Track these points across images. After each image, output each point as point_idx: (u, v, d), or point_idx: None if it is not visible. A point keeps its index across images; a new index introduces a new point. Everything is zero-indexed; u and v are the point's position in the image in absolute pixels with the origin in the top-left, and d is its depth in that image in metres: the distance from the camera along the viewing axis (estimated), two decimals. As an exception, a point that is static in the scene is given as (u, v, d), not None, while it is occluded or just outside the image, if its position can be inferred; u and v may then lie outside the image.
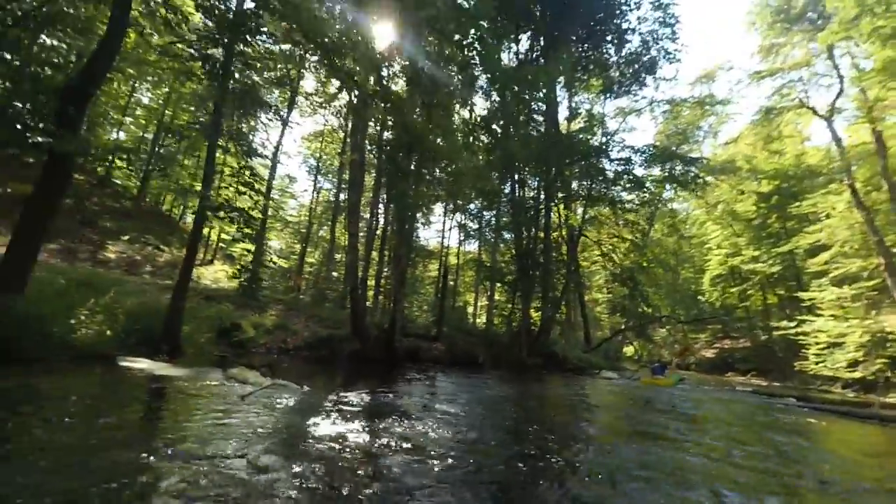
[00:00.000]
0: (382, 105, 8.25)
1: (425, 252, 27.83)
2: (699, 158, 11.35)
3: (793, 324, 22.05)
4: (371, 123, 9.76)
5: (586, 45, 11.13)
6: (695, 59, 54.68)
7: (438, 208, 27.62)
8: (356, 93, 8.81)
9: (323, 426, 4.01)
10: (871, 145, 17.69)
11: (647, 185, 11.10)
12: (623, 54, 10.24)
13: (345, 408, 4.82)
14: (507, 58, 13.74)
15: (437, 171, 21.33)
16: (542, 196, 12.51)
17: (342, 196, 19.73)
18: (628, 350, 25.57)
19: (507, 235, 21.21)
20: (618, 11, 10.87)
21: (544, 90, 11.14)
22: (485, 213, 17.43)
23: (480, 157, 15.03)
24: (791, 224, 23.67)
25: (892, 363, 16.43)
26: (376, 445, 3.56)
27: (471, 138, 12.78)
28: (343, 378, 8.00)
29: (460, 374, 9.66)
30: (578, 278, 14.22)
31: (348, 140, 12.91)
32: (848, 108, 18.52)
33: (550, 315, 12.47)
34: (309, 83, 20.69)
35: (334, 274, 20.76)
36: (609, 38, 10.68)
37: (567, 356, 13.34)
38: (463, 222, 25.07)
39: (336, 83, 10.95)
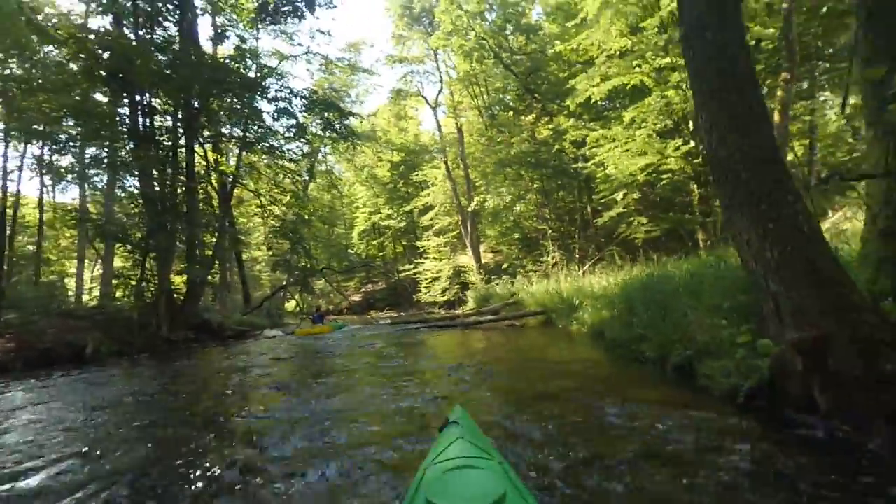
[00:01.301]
0: None
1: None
2: (356, 113, 12.12)
3: (412, 266, 29.00)
4: None
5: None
6: (346, 29, 58.81)
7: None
8: None
9: None
10: (455, 134, 24.76)
11: (309, 133, 10.83)
12: None
13: None
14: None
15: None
16: (182, 131, 9.86)
17: None
18: (289, 305, 25.93)
19: (129, 181, 15.97)
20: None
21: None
22: (86, 145, 12.24)
23: (63, 53, 10.10)
24: (411, 189, 30.38)
25: (462, 287, 24.37)
26: None
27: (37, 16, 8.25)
28: None
29: (48, 379, 6.48)
30: (235, 233, 12.56)
31: None
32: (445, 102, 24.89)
33: (202, 278, 10.42)
34: None
35: None
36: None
37: (224, 323, 11.75)
38: (48, 157, 16.89)
39: None
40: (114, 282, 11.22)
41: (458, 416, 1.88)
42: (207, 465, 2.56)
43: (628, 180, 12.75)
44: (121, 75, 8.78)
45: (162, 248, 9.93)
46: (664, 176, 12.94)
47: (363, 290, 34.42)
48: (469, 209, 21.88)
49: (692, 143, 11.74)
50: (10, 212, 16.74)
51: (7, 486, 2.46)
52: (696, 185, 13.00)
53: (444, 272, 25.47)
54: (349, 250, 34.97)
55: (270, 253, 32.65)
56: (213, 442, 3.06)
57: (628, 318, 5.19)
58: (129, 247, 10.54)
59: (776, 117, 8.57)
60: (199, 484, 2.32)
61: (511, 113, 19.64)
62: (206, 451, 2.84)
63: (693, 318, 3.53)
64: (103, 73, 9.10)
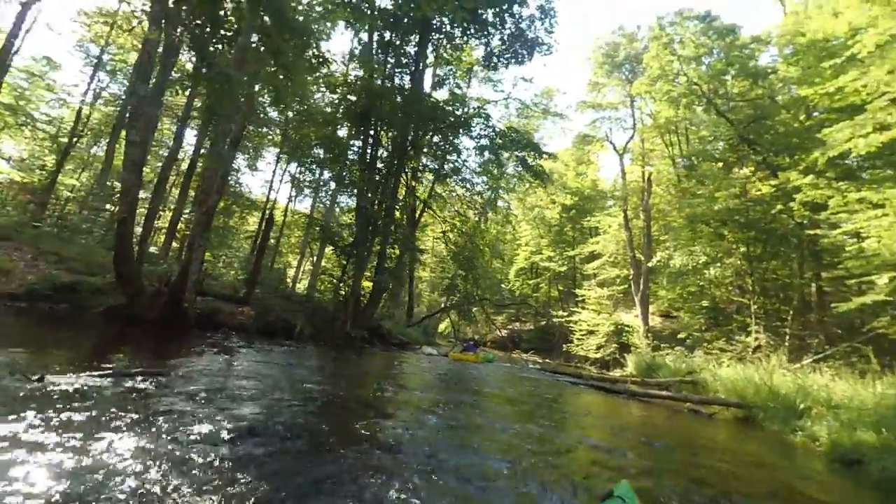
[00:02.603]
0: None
1: (245, 201, 23.71)
2: (552, 154, 12.31)
3: (566, 313, 27.44)
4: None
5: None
6: (541, 75, 61.80)
7: (269, 155, 23.78)
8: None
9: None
10: (639, 183, 22.88)
11: (504, 166, 11.47)
12: (506, 26, 10.13)
13: (78, 400, 2.97)
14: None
15: (273, 109, 18.07)
16: (396, 160, 11.59)
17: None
18: (441, 326, 27.41)
19: (343, 198, 19.58)
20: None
21: (418, 36, 10.16)
22: (325, 167, 15.49)
23: (331, 97, 13.09)
24: (577, 235, 29.19)
25: (620, 347, 21.77)
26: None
27: (322, 70, 10.85)
28: (91, 347, 5.53)
29: (271, 346, 8.07)
30: (415, 253, 13.97)
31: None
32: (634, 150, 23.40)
33: (385, 287, 11.79)
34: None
35: (108, 207, 15.46)
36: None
37: (392, 331, 12.98)
38: (297, 174, 22.12)
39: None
40: (321, 276, 13.65)
41: (622, 492, 1.67)
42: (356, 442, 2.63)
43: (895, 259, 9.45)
44: (367, 114, 10.90)
45: (360, 256, 11.62)
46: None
47: (510, 326, 34.08)
48: (648, 264, 19.64)
49: None
50: (267, 212, 22.30)
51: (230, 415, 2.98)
52: None
53: (603, 327, 23.26)
54: (502, 285, 35.36)
55: (433, 275, 35.58)
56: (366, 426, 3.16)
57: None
58: (336, 251, 12.69)
59: None
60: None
61: (720, 164, 17.12)
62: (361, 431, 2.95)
63: None
64: (357, 112, 11.46)
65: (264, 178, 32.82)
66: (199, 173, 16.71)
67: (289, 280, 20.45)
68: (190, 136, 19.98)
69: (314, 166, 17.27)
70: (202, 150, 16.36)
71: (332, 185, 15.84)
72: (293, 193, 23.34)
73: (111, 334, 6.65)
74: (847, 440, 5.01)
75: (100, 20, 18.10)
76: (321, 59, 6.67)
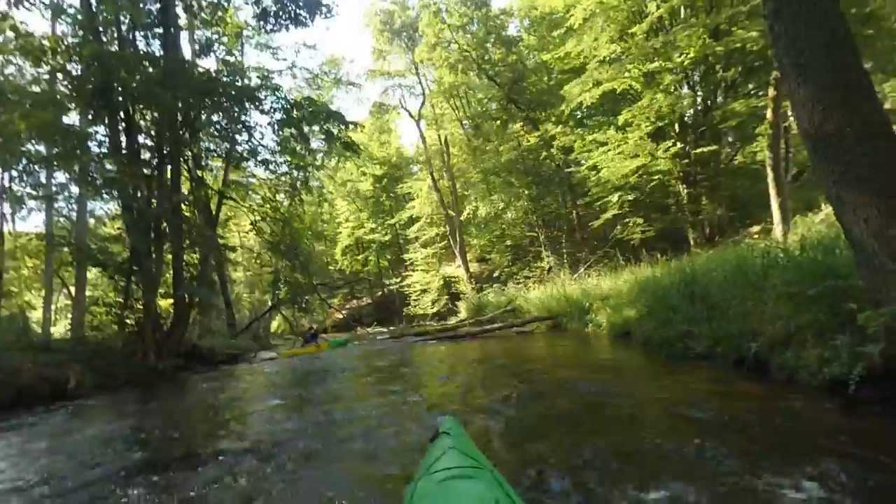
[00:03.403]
0: None
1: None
2: (359, 123, 11.81)
3: (399, 280, 28.58)
4: None
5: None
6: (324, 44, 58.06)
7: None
8: None
9: None
10: (439, 146, 24.75)
11: (308, 141, 10.44)
12: None
13: None
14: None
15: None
16: (167, 146, 9.32)
17: None
18: (273, 325, 24.99)
19: (98, 204, 15.00)
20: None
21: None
22: (57, 167, 11.41)
23: (35, 71, 9.55)
24: (394, 203, 30.10)
25: (451, 297, 24.09)
26: None
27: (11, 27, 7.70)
28: None
29: (29, 420, 5.78)
30: (221, 253, 11.96)
31: None
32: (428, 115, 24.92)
33: (204, 300, 9.80)
34: None
35: None
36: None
37: (214, 347, 11.05)
38: (12, 183, 15.76)
39: None
40: (94, 309, 10.38)
41: (448, 427, 1.86)
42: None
43: (621, 182, 12.94)
44: (108, 90, 8.23)
45: (148, 272, 9.28)
46: (655, 177, 13.19)
47: (347, 306, 33.58)
48: (462, 218, 21.77)
49: (679, 145, 12.04)
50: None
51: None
52: (683, 186, 13.33)
53: (434, 283, 25.17)
54: (330, 266, 34.22)
55: (249, 273, 31.60)
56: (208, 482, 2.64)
57: (664, 316, 5.08)
58: (110, 271, 9.81)
59: (768, 115, 8.86)
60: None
61: (497, 123, 19.79)
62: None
63: (760, 309, 3.43)
64: (87, 90, 8.51)
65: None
66: None
67: (35, 325, 15.06)
68: None
69: (36, 167, 12.56)
70: None
71: (75, 189, 11.94)
72: (7, 210, 16.61)
73: None
74: (618, 320, 6.78)
75: None
76: None
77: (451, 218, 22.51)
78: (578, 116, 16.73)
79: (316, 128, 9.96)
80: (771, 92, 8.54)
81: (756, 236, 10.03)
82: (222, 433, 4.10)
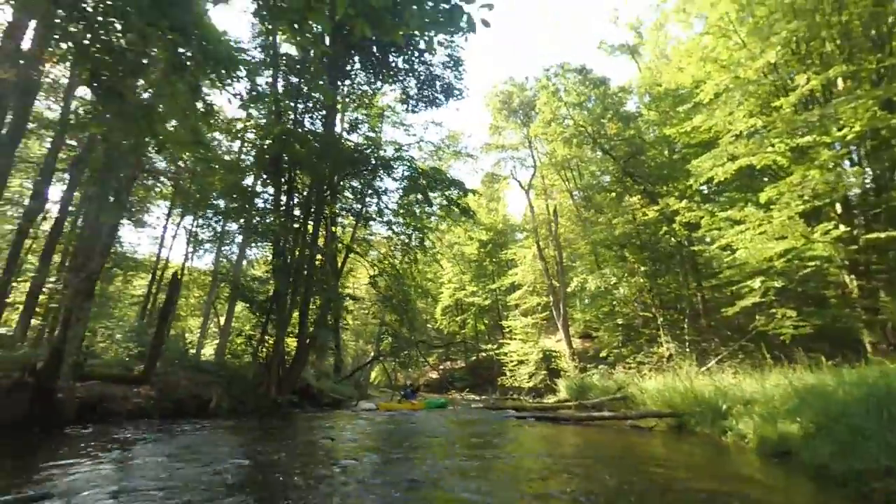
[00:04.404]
0: None
1: (130, 262, 20.59)
2: (475, 190, 12.68)
3: (496, 346, 27.87)
4: None
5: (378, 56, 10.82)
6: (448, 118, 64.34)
7: (157, 210, 21.15)
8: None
9: None
10: (548, 215, 24.81)
11: (435, 206, 11.51)
12: (419, 70, 10.56)
13: None
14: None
15: (164, 159, 16.34)
16: (314, 206, 11.01)
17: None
18: (373, 376, 25.94)
19: (253, 250, 17.98)
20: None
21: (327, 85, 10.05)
22: (230, 218, 14.08)
23: (228, 144, 12.24)
24: (496, 268, 30.38)
25: (550, 373, 22.53)
26: None
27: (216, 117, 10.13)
28: None
29: (178, 430, 6.71)
30: (341, 302, 13.15)
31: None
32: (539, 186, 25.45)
33: (323, 343, 10.80)
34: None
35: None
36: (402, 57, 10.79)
37: (323, 390, 11.83)
38: (195, 228, 19.96)
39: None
40: (237, 339, 12.08)
41: None
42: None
43: (763, 266, 11.30)
44: (279, 159, 10.27)
45: (283, 311, 10.57)
46: (809, 264, 11.27)
47: (441, 367, 33.48)
48: (567, 290, 20.95)
49: (843, 228, 10.21)
50: (158, 273, 19.59)
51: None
52: (851, 277, 11.09)
53: (532, 356, 23.93)
54: (429, 325, 35.00)
55: (357, 322, 33.89)
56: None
57: (846, 439, 4.01)
58: (253, 307, 11.42)
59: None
60: None
61: (612, 195, 19.32)
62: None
63: None
64: (266, 157, 10.73)
65: (151, 234, 29.03)
66: (67, 234, 14.19)
67: (191, 346, 17.88)
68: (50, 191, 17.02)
69: (216, 218, 15.72)
70: (70, 207, 14.01)
71: (239, 237, 14.50)
72: (190, 249, 20.85)
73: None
74: (772, 434, 5.53)
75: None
76: (210, 107, 5.77)
77: (556, 289, 21.77)
78: (705, 192, 15.50)
79: (437, 193, 10.91)
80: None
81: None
82: (336, 472, 4.25)
